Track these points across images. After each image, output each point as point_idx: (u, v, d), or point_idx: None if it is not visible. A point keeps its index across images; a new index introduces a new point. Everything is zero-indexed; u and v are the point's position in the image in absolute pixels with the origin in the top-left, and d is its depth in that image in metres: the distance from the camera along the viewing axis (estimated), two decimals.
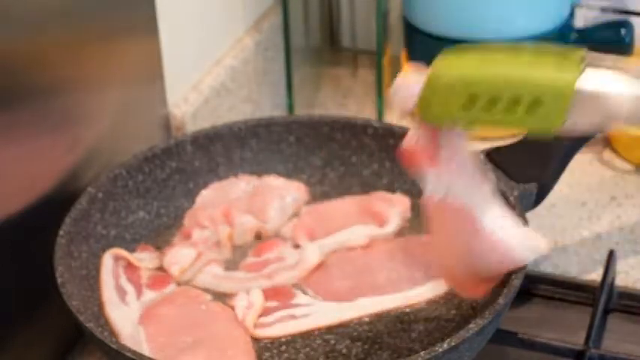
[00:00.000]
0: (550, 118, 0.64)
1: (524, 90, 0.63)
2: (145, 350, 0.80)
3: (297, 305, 0.85)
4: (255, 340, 0.82)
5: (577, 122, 0.64)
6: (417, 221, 0.92)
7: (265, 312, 0.84)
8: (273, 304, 0.85)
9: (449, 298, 0.85)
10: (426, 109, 0.66)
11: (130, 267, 0.87)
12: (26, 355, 0.83)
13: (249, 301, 0.84)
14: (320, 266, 0.88)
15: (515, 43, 0.66)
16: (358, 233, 0.92)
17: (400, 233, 0.92)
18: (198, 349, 0.79)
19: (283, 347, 0.82)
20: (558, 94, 0.63)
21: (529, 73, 0.64)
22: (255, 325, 0.82)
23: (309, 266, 0.88)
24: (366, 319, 0.83)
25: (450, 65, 0.66)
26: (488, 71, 0.64)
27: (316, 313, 0.84)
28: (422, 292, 0.85)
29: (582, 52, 0.66)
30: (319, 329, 0.83)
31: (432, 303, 0.84)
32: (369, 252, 0.90)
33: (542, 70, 0.64)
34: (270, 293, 0.85)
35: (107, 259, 0.86)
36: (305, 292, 0.86)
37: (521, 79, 0.64)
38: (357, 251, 0.90)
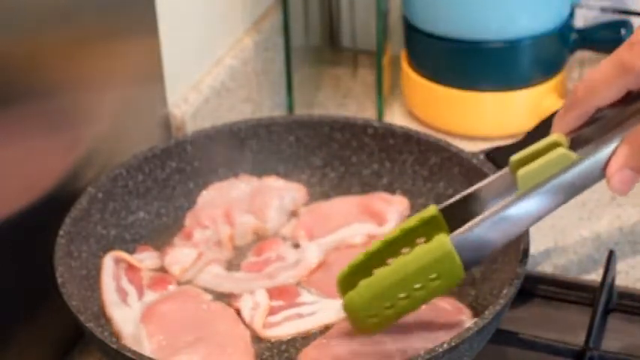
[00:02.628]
0: (453, 275, 0.73)
1: (416, 279, 0.73)
2: (146, 348, 0.80)
3: (302, 304, 0.85)
4: (256, 339, 0.82)
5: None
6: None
7: (272, 311, 0.84)
8: (278, 303, 0.85)
9: (448, 296, 0.85)
10: (359, 328, 0.77)
11: (131, 268, 0.87)
12: (26, 355, 0.83)
13: (254, 302, 0.84)
14: (321, 265, 0.88)
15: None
16: (357, 231, 0.92)
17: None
18: (198, 347, 0.79)
19: (283, 347, 0.82)
20: (440, 261, 0.72)
21: (409, 265, 0.73)
22: (264, 326, 0.82)
23: (310, 266, 0.88)
24: None
25: (354, 299, 0.75)
26: (382, 285, 0.74)
27: (322, 311, 0.84)
28: None
29: (433, 210, 0.75)
30: (319, 329, 0.83)
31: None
32: None
33: (415, 254, 0.73)
34: (275, 292, 0.85)
35: (108, 261, 0.86)
36: (310, 291, 0.86)
37: (407, 275, 0.73)
38: (357, 249, 0.90)
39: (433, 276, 0.73)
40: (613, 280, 0.90)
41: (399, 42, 1.18)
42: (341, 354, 0.78)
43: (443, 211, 0.76)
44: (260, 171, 0.97)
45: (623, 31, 1.11)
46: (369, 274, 0.76)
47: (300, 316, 0.83)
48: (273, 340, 0.82)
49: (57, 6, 0.81)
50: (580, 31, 1.12)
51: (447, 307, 0.82)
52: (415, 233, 0.76)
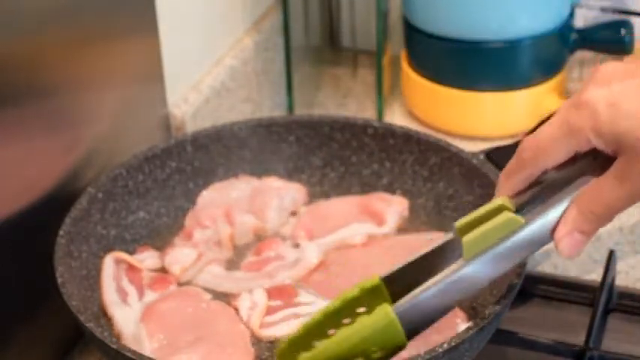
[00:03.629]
0: (394, 345, 0.69)
1: (357, 351, 0.69)
2: (146, 348, 0.80)
3: (300, 304, 0.85)
4: (256, 339, 0.82)
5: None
6: (415, 221, 0.92)
7: (269, 311, 0.84)
8: (276, 302, 0.85)
9: None
10: None
11: (131, 268, 0.87)
12: (26, 355, 0.83)
13: (252, 301, 0.84)
14: (320, 265, 0.88)
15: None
16: (357, 231, 0.92)
17: (398, 232, 0.92)
18: (198, 346, 0.79)
19: None
20: (383, 332, 0.69)
21: (351, 338, 0.69)
22: (261, 325, 0.82)
23: (310, 265, 0.88)
24: None
25: None
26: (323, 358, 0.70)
27: None
28: None
29: (376, 279, 0.72)
30: None
31: None
32: (368, 250, 0.90)
33: (358, 325, 0.69)
34: (273, 292, 0.85)
35: (108, 262, 0.86)
36: (308, 291, 0.86)
37: (349, 348, 0.69)
38: (356, 249, 0.90)
39: (374, 348, 0.70)
40: (613, 280, 0.90)
41: (399, 42, 1.18)
42: None
43: (386, 279, 0.73)
44: (260, 171, 0.97)
45: (623, 31, 1.11)
46: (309, 347, 0.72)
47: (297, 316, 0.83)
48: (268, 339, 0.82)
49: (57, 6, 0.81)
50: (580, 31, 1.12)
51: None
52: (357, 302, 0.72)
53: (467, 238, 0.69)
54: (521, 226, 0.68)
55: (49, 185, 0.84)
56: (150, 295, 0.86)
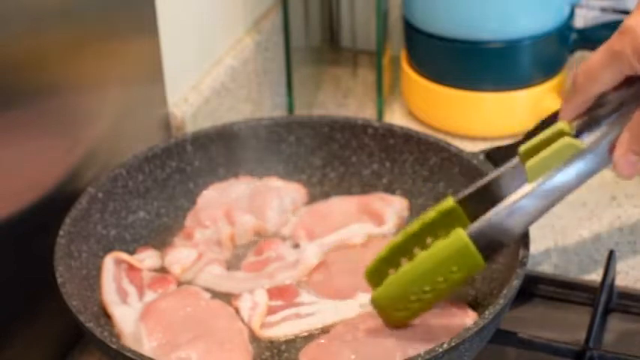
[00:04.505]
0: (473, 266, 0.75)
1: (437, 273, 0.75)
2: (146, 346, 0.80)
3: (301, 304, 0.85)
4: (256, 339, 0.82)
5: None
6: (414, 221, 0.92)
7: (271, 311, 0.84)
8: (277, 303, 0.85)
9: (449, 296, 0.85)
10: (388, 322, 0.80)
11: (132, 269, 0.87)
12: (26, 354, 0.83)
13: (253, 302, 0.84)
14: (320, 265, 0.88)
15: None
16: (357, 232, 0.92)
17: (398, 232, 0.92)
18: (197, 343, 0.79)
19: (283, 347, 0.82)
20: (459, 254, 0.74)
21: (428, 261, 0.75)
22: (262, 325, 0.82)
23: (310, 265, 0.88)
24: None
25: (381, 295, 0.78)
26: (405, 282, 0.76)
27: (320, 312, 0.84)
28: None
29: (450, 202, 0.78)
30: (316, 330, 0.83)
31: None
32: (368, 250, 0.90)
33: (434, 249, 0.75)
34: (274, 292, 0.85)
35: (108, 262, 0.86)
36: (309, 291, 0.86)
37: (427, 270, 0.75)
38: (356, 249, 0.90)
39: (454, 269, 0.75)
40: (613, 280, 0.90)
41: (399, 42, 1.18)
42: (342, 354, 0.78)
43: (460, 202, 0.79)
44: (260, 171, 0.97)
45: None
46: (396, 264, 0.79)
47: (298, 316, 0.83)
48: (269, 340, 0.82)
49: (57, 6, 0.81)
50: (580, 31, 1.12)
51: (454, 309, 0.82)
52: (435, 224, 0.79)
53: (530, 163, 0.73)
54: (582, 151, 0.72)
55: (49, 185, 0.84)
56: (150, 295, 0.86)
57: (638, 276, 0.94)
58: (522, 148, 0.76)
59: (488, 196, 0.78)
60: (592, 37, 1.13)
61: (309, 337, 0.82)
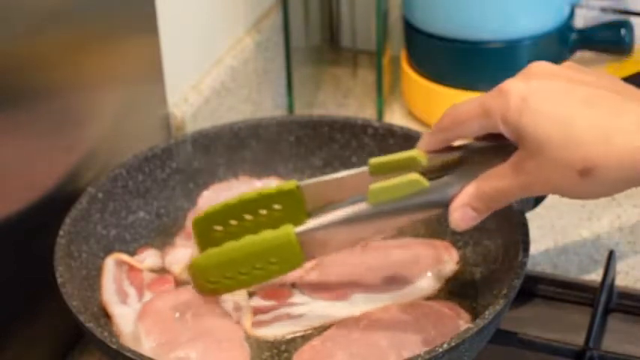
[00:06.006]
0: (292, 263, 0.79)
1: (257, 260, 0.79)
2: (145, 345, 0.80)
3: (294, 304, 0.85)
4: (256, 338, 0.82)
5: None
6: (413, 223, 0.92)
7: (262, 310, 0.84)
8: (270, 302, 0.85)
9: (445, 296, 0.85)
10: (198, 289, 0.83)
11: (133, 270, 0.87)
12: (26, 354, 0.83)
13: (235, 303, 0.84)
14: (315, 266, 0.88)
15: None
16: None
17: (395, 235, 0.91)
18: (195, 342, 0.80)
19: (283, 347, 0.82)
20: (283, 249, 0.78)
21: (253, 246, 0.79)
22: (253, 324, 0.83)
23: (306, 266, 0.88)
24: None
25: (199, 262, 0.82)
26: (226, 257, 0.80)
27: (312, 313, 0.84)
28: (417, 290, 0.85)
29: (293, 185, 0.82)
30: (308, 330, 0.83)
31: (428, 301, 0.84)
32: (364, 251, 0.89)
33: (263, 237, 0.79)
34: (268, 292, 0.85)
35: (109, 264, 0.86)
36: (302, 292, 0.86)
37: (250, 254, 0.79)
38: (352, 251, 0.90)
39: (273, 260, 0.79)
40: (613, 280, 0.90)
41: (399, 42, 1.18)
42: (336, 355, 0.78)
43: (303, 187, 0.82)
44: (260, 171, 0.97)
45: (623, 31, 1.11)
46: (225, 223, 0.83)
47: (289, 316, 0.83)
48: (264, 339, 0.82)
49: (57, 6, 0.81)
50: (580, 31, 1.12)
51: (446, 311, 0.82)
52: (273, 199, 0.83)
53: (373, 187, 0.75)
54: (425, 190, 0.74)
55: (49, 185, 0.84)
56: (149, 296, 0.86)
57: (638, 276, 0.94)
58: (372, 160, 0.78)
59: (331, 191, 0.81)
60: (592, 37, 1.13)
61: (309, 338, 0.82)
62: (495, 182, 0.71)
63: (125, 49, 0.92)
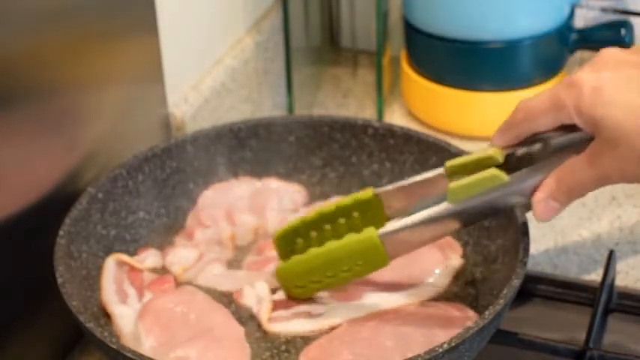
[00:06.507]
0: (377, 263, 0.80)
1: (343, 263, 0.80)
2: (145, 345, 0.80)
3: (315, 302, 0.84)
4: (256, 339, 0.82)
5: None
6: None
7: (284, 305, 0.84)
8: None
9: (449, 297, 0.85)
10: (286, 292, 0.85)
11: (133, 270, 0.87)
12: (26, 355, 0.83)
13: (257, 296, 0.84)
14: None
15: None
16: None
17: None
18: (195, 341, 0.80)
19: (283, 347, 0.82)
20: (368, 252, 0.79)
21: (339, 251, 0.80)
22: (270, 319, 0.83)
23: None
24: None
25: (287, 269, 0.83)
26: (313, 264, 0.81)
27: (330, 312, 0.83)
28: (428, 287, 0.86)
29: (369, 194, 0.83)
30: (324, 331, 0.82)
31: (438, 302, 0.85)
32: None
33: (346, 241, 0.80)
34: None
35: (109, 264, 0.86)
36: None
37: (336, 259, 0.80)
38: None
39: (360, 262, 0.80)
40: (613, 280, 0.90)
41: (399, 42, 1.18)
42: (342, 354, 0.78)
43: (380, 194, 0.83)
44: (260, 171, 0.97)
45: (623, 31, 1.11)
46: (306, 236, 0.85)
47: (309, 315, 0.83)
48: (277, 335, 0.82)
49: (57, 6, 0.81)
50: (580, 31, 1.12)
51: (455, 312, 0.82)
52: (351, 208, 0.84)
53: (453, 185, 0.76)
54: (504, 184, 0.74)
55: (49, 185, 0.84)
56: (149, 296, 0.86)
57: (638, 276, 0.94)
58: (449, 163, 0.79)
59: (408, 196, 0.82)
60: (592, 37, 1.13)
61: (310, 337, 0.82)
62: (573, 174, 0.72)
63: (125, 49, 0.92)
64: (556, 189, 0.73)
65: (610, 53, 0.72)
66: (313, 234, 0.85)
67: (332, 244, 0.80)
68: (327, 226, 0.85)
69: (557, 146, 0.75)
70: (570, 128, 0.73)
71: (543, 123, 0.74)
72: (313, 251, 0.81)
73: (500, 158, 0.76)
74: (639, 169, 0.69)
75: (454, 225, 0.77)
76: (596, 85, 0.69)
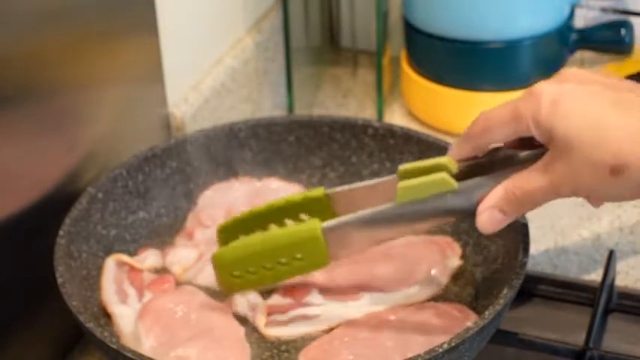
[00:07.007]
0: (317, 260, 0.78)
1: (281, 254, 0.78)
2: (145, 345, 0.80)
3: (309, 304, 0.84)
4: (257, 338, 0.82)
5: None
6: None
7: (281, 310, 0.84)
8: (287, 301, 0.85)
9: (449, 297, 0.85)
10: (222, 284, 0.82)
11: (133, 270, 0.87)
12: (26, 355, 0.83)
13: (249, 304, 0.84)
14: None
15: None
16: None
17: None
18: (195, 341, 0.80)
19: (283, 347, 0.82)
20: (307, 244, 0.77)
21: (277, 239, 0.79)
22: (267, 324, 0.83)
23: None
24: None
25: (222, 255, 0.81)
26: (250, 250, 0.79)
27: (326, 313, 0.83)
28: (426, 288, 0.86)
29: (320, 192, 0.82)
30: (322, 332, 0.82)
31: (438, 303, 0.85)
32: (372, 251, 0.89)
33: (287, 230, 0.79)
34: (287, 289, 0.86)
35: (109, 264, 0.86)
36: (318, 292, 0.86)
37: (274, 247, 0.78)
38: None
39: (299, 256, 0.78)
40: (613, 280, 0.90)
41: (399, 42, 1.18)
42: (341, 354, 0.78)
43: (330, 196, 0.81)
44: (260, 171, 0.97)
45: (623, 31, 1.11)
46: (249, 231, 0.83)
47: (305, 317, 0.83)
48: (276, 338, 0.82)
49: (57, 6, 0.81)
50: (580, 31, 1.13)
51: (455, 313, 0.82)
52: (300, 208, 0.82)
53: (402, 184, 0.75)
54: (452, 191, 0.73)
55: (49, 185, 0.84)
56: (149, 296, 0.86)
57: (638, 276, 0.94)
58: (402, 167, 0.77)
59: (358, 200, 0.80)
60: (592, 37, 1.13)
61: (310, 338, 0.82)
62: (524, 184, 0.71)
63: (125, 49, 0.92)
64: (504, 199, 0.72)
65: (574, 71, 0.72)
66: (257, 231, 0.83)
67: (272, 232, 0.79)
68: (273, 226, 0.83)
69: (515, 161, 0.74)
70: (530, 145, 0.73)
71: (501, 134, 0.73)
72: (253, 236, 0.80)
73: (454, 169, 0.75)
74: (591, 180, 0.67)
75: (401, 228, 0.76)
76: (555, 98, 0.69)
